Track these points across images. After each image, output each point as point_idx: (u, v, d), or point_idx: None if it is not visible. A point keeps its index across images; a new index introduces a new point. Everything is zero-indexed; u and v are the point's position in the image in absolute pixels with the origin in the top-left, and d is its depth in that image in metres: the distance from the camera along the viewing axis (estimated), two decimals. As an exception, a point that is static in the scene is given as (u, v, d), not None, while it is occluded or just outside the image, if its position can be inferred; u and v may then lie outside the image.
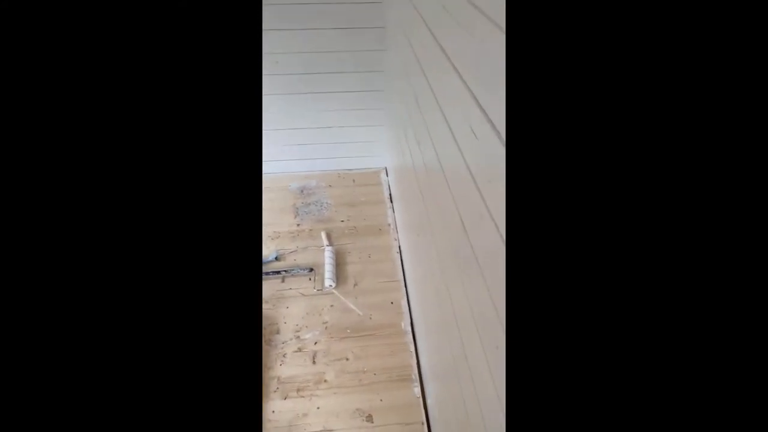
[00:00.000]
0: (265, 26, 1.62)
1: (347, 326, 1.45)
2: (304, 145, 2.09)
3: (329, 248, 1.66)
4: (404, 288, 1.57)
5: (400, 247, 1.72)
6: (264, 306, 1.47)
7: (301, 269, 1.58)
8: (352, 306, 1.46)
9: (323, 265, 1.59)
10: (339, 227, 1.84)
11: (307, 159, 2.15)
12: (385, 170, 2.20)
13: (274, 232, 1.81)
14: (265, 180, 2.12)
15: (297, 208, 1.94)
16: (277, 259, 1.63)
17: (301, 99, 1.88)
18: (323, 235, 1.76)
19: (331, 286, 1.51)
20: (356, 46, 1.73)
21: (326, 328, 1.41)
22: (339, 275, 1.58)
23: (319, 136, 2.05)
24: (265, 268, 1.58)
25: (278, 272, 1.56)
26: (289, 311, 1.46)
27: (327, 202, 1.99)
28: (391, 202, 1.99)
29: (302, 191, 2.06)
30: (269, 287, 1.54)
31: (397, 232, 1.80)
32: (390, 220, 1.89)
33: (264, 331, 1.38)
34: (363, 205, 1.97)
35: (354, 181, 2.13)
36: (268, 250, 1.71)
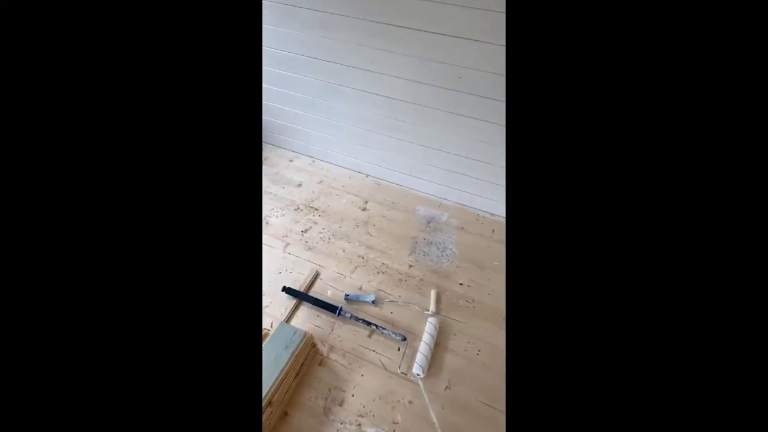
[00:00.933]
0: (455, 33, 1.27)
1: (419, 432, 1.15)
2: (447, 170, 1.74)
3: (433, 320, 1.33)
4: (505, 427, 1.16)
5: (523, 359, 1.29)
6: (341, 360, 1.28)
7: (393, 333, 1.32)
8: (433, 418, 1.14)
9: (419, 339, 1.29)
10: (455, 292, 1.49)
11: (443, 185, 1.81)
12: (537, 232, 1.70)
13: (383, 264, 1.57)
14: (394, 192, 1.88)
15: (416, 244, 1.65)
16: (374, 303, 1.41)
17: (466, 122, 1.50)
18: (432, 296, 1.44)
19: (418, 375, 1.21)
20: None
21: (394, 431, 1.14)
22: (433, 362, 1.26)
23: (466, 165, 1.67)
24: (356, 309, 1.38)
25: (369, 324, 1.34)
26: (363, 381, 1.23)
27: (451, 250, 1.64)
28: (532, 282, 1.52)
29: (428, 223, 1.75)
30: (354, 336, 1.33)
31: (525, 333, 1.36)
32: (521, 310, 1.44)
33: (328, 393, 1.20)
34: (494, 272, 1.55)
35: (493, 231, 1.70)
36: (370, 284, 1.49)
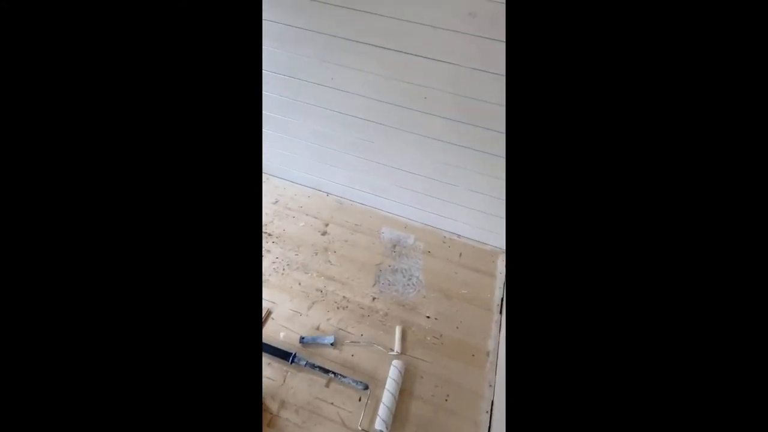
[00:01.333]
0: (422, 53, 1.16)
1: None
2: (413, 191, 1.64)
3: (397, 364, 1.22)
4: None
5: (493, 403, 1.21)
6: (294, 418, 1.13)
7: (354, 381, 1.19)
8: (399, 480, 1.04)
9: (383, 386, 1.18)
10: (421, 326, 1.39)
11: (410, 205, 1.71)
12: (503, 255, 1.64)
13: (344, 298, 1.44)
14: (358, 212, 1.75)
15: (380, 272, 1.54)
16: (333, 345, 1.27)
17: (432, 144, 1.41)
18: (397, 333, 1.33)
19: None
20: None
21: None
22: (397, 413, 1.16)
23: (432, 187, 1.58)
24: (313, 353, 1.23)
25: (327, 371, 1.20)
26: (320, 437, 1.10)
27: (417, 278, 1.54)
28: (501, 312, 1.46)
29: (394, 247, 1.64)
30: (310, 387, 1.18)
31: (495, 372, 1.29)
32: (492, 345, 1.36)
33: (279, 460, 1.05)
34: (462, 301, 1.47)
35: (461, 255, 1.63)
36: (329, 323, 1.36)
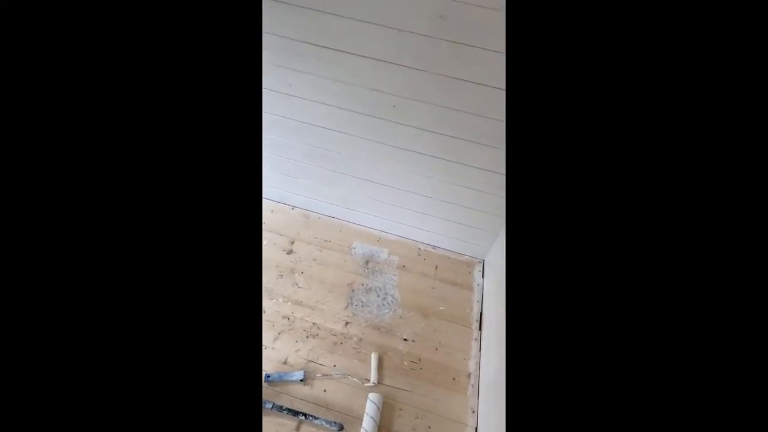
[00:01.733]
0: (388, 59, 1.06)
1: None
2: (384, 203, 1.55)
3: (374, 398, 1.12)
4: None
5: (477, 430, 1.15)
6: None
7: (327, 422, 1.09)
8: None
9: (359, 426, 1.07)
10: (398, 351, 1.30)
11: (381, 217, 1.61)
12: (481, 265, 1.59)
13: (314, 325, 1.32)
14: (327, 227, 1.63)
15: (353, 292, 1.43)
16: (302, 381, 1.16)
17: (402, 154, 1.31)
18: (373, 361, 1.24)
19: (360, 477, 1.01)
20: (499, 114, 1.10)
21: None
22: (376, 451, 1.07)
23: (404, 198, 1.49)
24: (281, 391, 1.11)
25: (296, 413, 1.09)
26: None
27: (393, 296, 1.45)
28: (480, 329, 1.40)
29: (367, 263, 1.54)
30: None
31: (478, 396, 1.23)
32: (472, 366, 1.30)
33: None
34: (440, 319, 1.40)
35: (437, 267, 1.56)
36: (298, 354, 1.23)
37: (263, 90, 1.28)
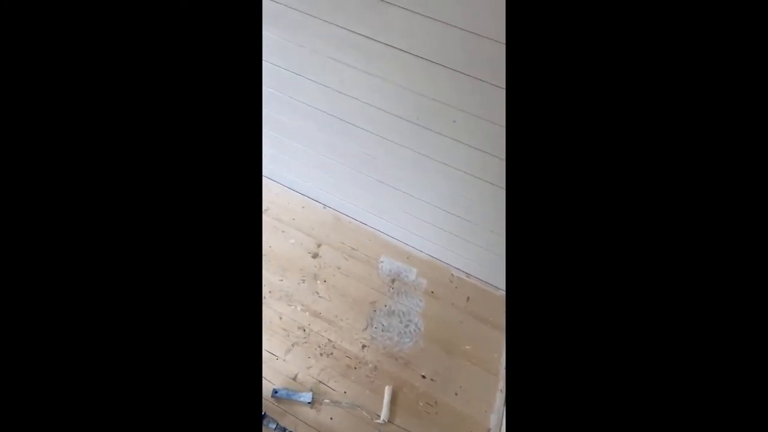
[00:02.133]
0: (455, 66, 0.91)
1: None
2: (421, 220, 1.42)
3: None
4: None
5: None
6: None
7: (328, 457, 1.01)
8: None
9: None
10: (415, 388, 1.19)
11: (415, 233, 1.49)
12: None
13: (329, 342, 1.24)
14: (356, 233, 1.53)
15: (374, 313, 1.33)
16: (310, 404, 1.08)
17: (453, 173, 1.17)
18: (386, 396, 1.14)
19: None
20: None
21: None
22: (376, 499, 0.98)
23: (444, 219, 1.35)
24: (287, 409, 1.03)
25: (297, 440, 1.02)
26: None
27: (416, 324, 1.34)
28: (507, 378, 1.27)
29: (393, 282, 1.43)
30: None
31: (495, 457, 1.11)
32: (493, 421, 1.17)
33: None
34: (465, 360, 1.27)
35: (468, 299, 1.42)
36: (309, 372, 1.16)
37: (307, 80, 1.17)
